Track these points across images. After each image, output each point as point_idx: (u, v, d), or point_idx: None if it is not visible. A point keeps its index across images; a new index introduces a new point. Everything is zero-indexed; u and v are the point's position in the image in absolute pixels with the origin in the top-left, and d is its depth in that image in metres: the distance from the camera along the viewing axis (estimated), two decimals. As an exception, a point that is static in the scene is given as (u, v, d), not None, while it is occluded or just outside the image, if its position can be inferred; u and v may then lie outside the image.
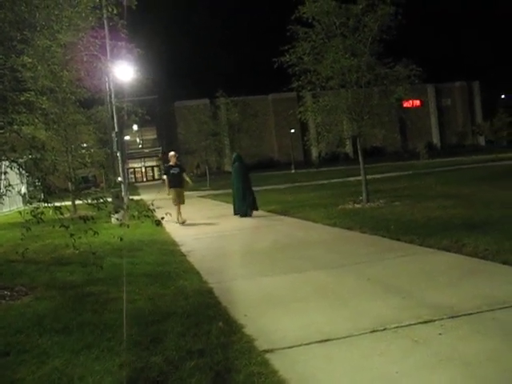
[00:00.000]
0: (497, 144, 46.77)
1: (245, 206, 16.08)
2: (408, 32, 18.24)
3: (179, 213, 15.63)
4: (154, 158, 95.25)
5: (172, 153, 16.64)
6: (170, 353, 4.42)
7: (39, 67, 8.59)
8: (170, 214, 7.45)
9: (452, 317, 4.82)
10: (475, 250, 7.55)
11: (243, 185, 16.39)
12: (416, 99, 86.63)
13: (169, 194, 15.94)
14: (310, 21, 15.39)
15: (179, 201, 15.87)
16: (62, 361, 4.42)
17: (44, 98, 9.90)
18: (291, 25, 15.41)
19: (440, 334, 4.45)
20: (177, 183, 16.09)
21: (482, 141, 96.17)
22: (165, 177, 16.58)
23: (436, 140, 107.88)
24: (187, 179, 16.51)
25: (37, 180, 7.37)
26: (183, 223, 15.25)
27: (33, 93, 8.94)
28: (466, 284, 5.95)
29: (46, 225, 7.21)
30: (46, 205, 6.85)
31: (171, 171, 16.19)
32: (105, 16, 10.88)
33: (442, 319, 4.78)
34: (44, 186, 7.17)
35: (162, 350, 4.49)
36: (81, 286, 7.30)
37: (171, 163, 16.37)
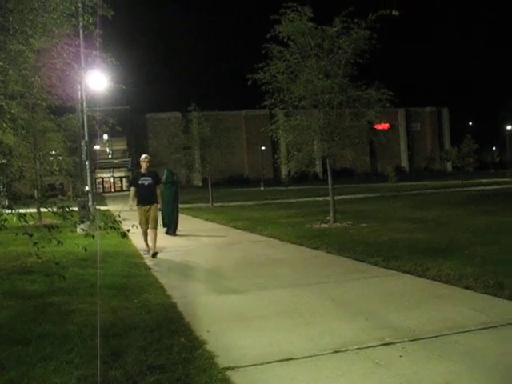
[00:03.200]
0: (463, 170, 47.66)
1: (171, 224, 15.80)
2: (381, 56, 18.52)
3: (150, 239, 11.49)
4: (123, 169, 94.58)
5: (143, 156, 12.02)
6: (131, 367, 4.36)
7: (10, 71, 8.48)
8: (137, 226, 7.36)
9: (413, 339, 4.86)
10: (439, 274, 7.65)
11: (174, 203, 15.93)
12: (387, 122, 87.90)
13: (131, 208, 11.63)
14: (285, 40, 15.53)
15: (150, 224, 11.48)
16: (19, 373, 4.30)
17: (14, 103, 9.77)
18: (267, 43, 15.54)
19: (401, 356, 4.47)
20: (146, 198, 11.50)
21: (449, 166, 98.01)
22: (132, 189, 11.95)
23: (405, 163, 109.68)
24: (158, 195, 11.77)
25: (2, 186, 7.24)
26: (154, 255, 11.12)
27: (2, 97, 8.81)
28: (429, 307, 6.01)
29: (9, 232, 7.07)
30: (9, 211, 6.72)
31: (140, 181, 11.67)
32: (80, 24, 10.82)
33: (404, 342, 4.81)
34: (9, 193, 7.04)
35: (122, 364, 4.42)
36: (42, 296, 7.16)
37: (141, 169, 11.93)
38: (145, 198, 11.56)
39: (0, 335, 5.36)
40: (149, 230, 11.53)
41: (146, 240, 11.63)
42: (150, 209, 11.52)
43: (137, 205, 11.62)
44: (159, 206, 11.87)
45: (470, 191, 32.90)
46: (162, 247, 12.20)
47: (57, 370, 4.35)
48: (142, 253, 11.69)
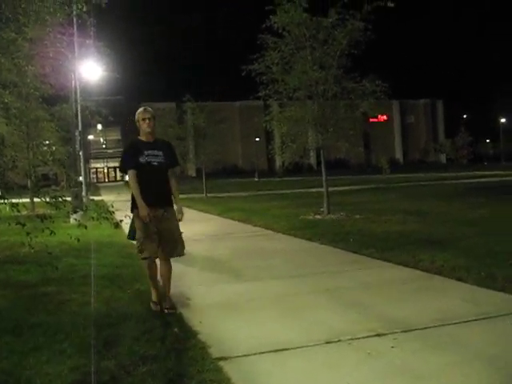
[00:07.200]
0: (457, 162, 47.83)
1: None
2: (376, 47, 18.48)
3: (163, 278, 6.21)
4: (117, 159, 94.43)
5: (142, 108, 5.97)
6: (123, 357, 4.35)
7: (3, 60, 8.43)
8: (130, 217, 7.24)
9: (405, 331, 4.88)
10: (432, 266, 7.67)
11: None
12: (382, 114, 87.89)
13: (148, 217, 5.69)
14: (280, 31, 15.47)
15: (166, 248, 6.13)
16: (11, 362, 4.30)
17: (6, 92, 9.73)
18: (261, 33, 15.47)
19: (393, 347, 4.49)
20: (157, 193, 5.85)
21: (443, 158, 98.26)
22: (130, 175, 5.81)
23: (399, 155, 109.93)
24: (175, 187, 6.12)
25: (-6, 175, 7.21)
26: (170, 310, 5.76)
27: (-5, 86, 8.76)
28: (421, 299, 6.03)
29: (1, 221, 7.05)
30: (2, 201, 6.70)
31: (142, 158, 5.81)
32: (74, 13, 10.76)
33: (396, 333, 4.83)
34: (2, 182, 7.02)
35: (114, 355, 4.42)
36: (35, 286, 7.14)
37: (141, 137, 6.01)
38: (154, 192, 5.83)
39: (-8, 325, 5.34)
40: (159, 261, 6.21)
41: (155, 280, 6.21)
42: (163, 215, 5.95)
43: (137, 208, 5.79)
44: (178, 211, 6.18)
45: (462, 184, 33.01)
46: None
47: (49, 359, 4.34)
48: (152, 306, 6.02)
